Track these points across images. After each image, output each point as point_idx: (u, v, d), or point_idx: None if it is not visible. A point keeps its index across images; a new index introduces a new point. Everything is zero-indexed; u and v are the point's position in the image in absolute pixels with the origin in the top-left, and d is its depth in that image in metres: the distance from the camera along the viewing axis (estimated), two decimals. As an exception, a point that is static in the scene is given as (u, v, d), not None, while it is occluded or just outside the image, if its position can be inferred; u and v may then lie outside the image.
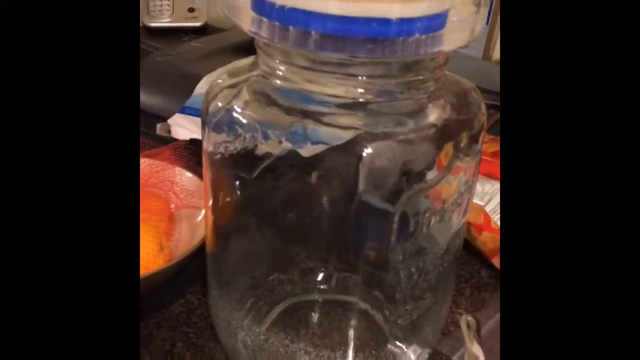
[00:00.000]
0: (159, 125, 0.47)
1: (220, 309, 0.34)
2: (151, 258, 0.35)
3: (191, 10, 0.73)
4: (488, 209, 0.42)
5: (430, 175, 0.26)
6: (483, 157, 0.47)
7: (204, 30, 0.74)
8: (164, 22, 0.72)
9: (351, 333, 0.34)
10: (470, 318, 0.32)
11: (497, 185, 0.43)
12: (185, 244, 0.38)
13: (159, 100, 0.50)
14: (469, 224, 0.42)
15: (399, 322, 0.32)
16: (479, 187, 0.43)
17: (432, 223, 0.26)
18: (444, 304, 0.33)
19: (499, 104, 0.57)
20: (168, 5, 0.72)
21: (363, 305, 0.35)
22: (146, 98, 0.50)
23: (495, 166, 0.45)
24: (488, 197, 0.42)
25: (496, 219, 0.42)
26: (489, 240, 0.42)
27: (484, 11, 0.26)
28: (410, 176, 0.25)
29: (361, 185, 0.25)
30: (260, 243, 0.34)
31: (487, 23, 0.56)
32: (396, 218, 0.25)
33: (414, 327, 0.32)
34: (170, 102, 0.48)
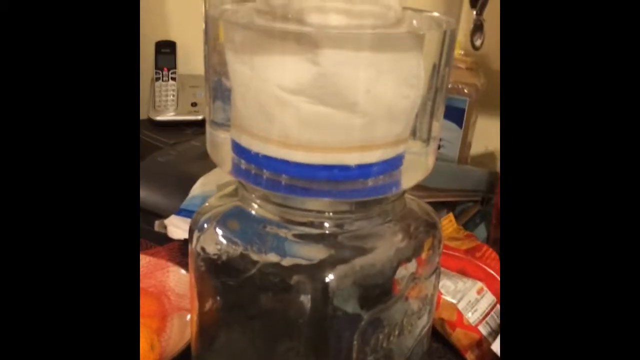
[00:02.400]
0: (157, 222, 0.51)
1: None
2: (141, 358, 0.37)
3: (194, 104, 0.79)
4: (460, 306, 0.45)
5: (391, 291, 0.29)
6: (456, 254, 0.50)
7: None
8: (169, 116, 0.77)
9: None
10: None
11: (469, 283, 0.46)
12: (175, 341, 0.40)
13: (158, 198, 0.54)
14: (442, 320, 0.45)
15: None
16: (451, 285, 0.46)
17: (392, 338, 0.29)
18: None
19: (475, 199, 0.61)
20: (173, 100, 0.78)
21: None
22: (146, 196, 0.54)
23: (468, 263, 0.48)
24: (460, 294, 0.45)
25: (468, 315, 0.45)
26: (462, 336, 0.44)
27: (434, 144, 0.30)
28: (371, 297, 0.28)
29: (328, 303, 0.29)
30: (242, 341, 0.37)
31: (461, 127, 0.61)
32: (356, 337, 0.28)
33: None
34: (169, 200, 0.52)
